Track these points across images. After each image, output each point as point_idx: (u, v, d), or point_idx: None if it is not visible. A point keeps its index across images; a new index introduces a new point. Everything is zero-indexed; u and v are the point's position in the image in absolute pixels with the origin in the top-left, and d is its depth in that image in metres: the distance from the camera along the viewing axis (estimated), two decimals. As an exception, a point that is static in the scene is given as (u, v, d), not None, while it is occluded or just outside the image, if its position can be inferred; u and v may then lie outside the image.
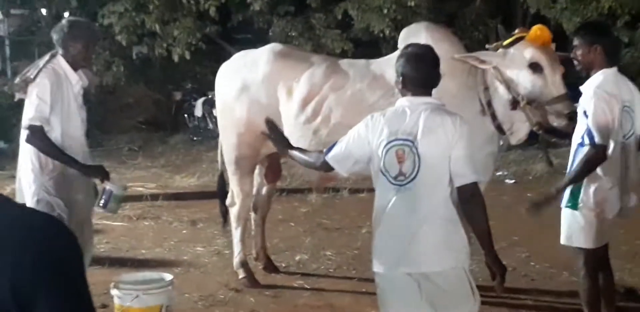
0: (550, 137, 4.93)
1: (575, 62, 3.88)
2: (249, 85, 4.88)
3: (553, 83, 4.20)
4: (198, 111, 13.15)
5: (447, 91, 4.26)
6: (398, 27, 10.93)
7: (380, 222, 2.97)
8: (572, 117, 4.09)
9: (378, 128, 2.97)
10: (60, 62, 4.05)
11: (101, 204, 4.03)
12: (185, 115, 13.60)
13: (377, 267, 3.01)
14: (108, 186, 4.03)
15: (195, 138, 13.02)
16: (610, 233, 3.97)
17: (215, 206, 5.57)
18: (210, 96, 12.70)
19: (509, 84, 4.29)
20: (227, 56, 5.61)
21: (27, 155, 4.02)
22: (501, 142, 4.68)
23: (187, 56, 11.39)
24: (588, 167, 3.69)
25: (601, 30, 4.01)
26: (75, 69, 4.09)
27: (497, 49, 4.38)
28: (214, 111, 12.22)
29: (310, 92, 4.69)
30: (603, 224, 3.81)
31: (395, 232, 2.93)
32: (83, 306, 1.23)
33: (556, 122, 4.22)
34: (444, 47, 4.44)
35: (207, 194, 7.10)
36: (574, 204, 3.80)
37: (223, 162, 5.20)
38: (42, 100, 3.92)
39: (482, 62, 4.32)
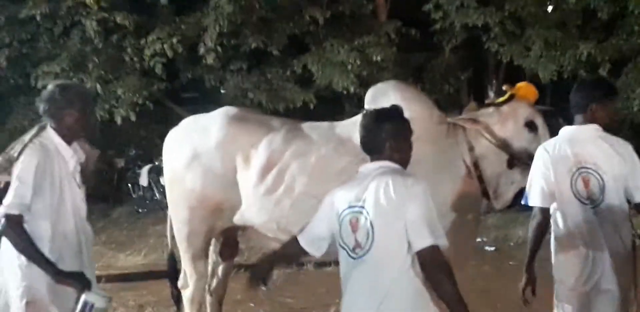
0: None
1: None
2: (201, 153, 4.91)
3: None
4: (143, 180, 13.11)
5: (423, 156, 4.40)
6: (363, 83, 11.23)
7: (343, 301, 3.05)
8: None
9: (338, 198, 3.12)
10: (51, 136, 3.80)
11: None
12: (129, 184, 13.55)
13: None
14: (89, 296, 3.62)
15: (140, 210, 12.95)
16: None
17: (165, 287, 5.52)
18: (157, 163, 12.72)
19: (502, 143, 4.47)
20: (174, 118, 5.67)
21: (11, 247, 3.67)
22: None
23: (133, 117, 11.45)
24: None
25: (594, 87, 4.10)
26: (69, 142, 3.84)
27: (487, 107, 4.60)
28: (161, 179, 12.22)
29: (271, 159, 4.73)
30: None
31: (355, 308, 3.00)
32: None
33: None
34: (416, 107, 4.62)
35: (156, 273, 7.05)
36: None
37: (173, 238, 5.19)
38: (23, 182, 3.63)
39: (476, 123, 4.50)
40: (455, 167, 4.57)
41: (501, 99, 4.58)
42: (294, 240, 3.28)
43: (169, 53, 11.02)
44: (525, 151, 4.46)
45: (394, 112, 3.23)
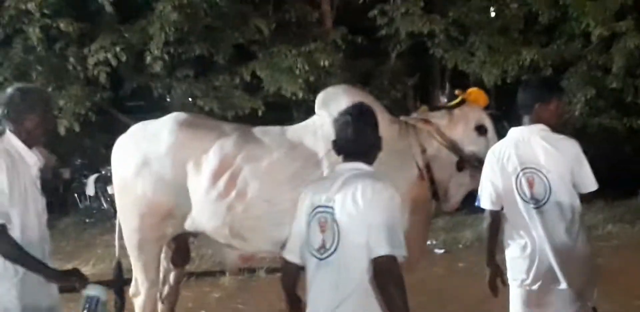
0: None
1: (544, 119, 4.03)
2: (151, 159, 4.87)
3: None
4: (90, 190, 12.95)
5: (378, 158, 4.44)
6: (311, 89, 11.27)
7: (308, 301, 3.06)
8: None
9: (308, 197, 3.14)
10: (12, 140, 3.65)
11: None
12: (75, 195, 13.35)
13: None
14: (92, 291, 3.63)
15: (87, 220, 12.77)
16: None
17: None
18: (103, 172, 12.58)
19: (452, 146, 4.56)
20: (120, 127, 5.59)
21: None
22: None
23: (77, 128, 11.29)
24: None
25: (551, 84, 4.24)
26: (29, 147, 3.69)
27: (438, 110, 4.69)
28: (108, 189, 12.09)
29: (222, 164, 4.71)
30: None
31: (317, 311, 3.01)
32: None
33: None
34: None
35: (105, 283, 6.91)
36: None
37: (122, 247, 5.13)
38: None
39: (428, 123, 4.57)
40: (408, 168, 4.63)
41: (453, 103, 4.68)
42: (287, 265, 3.22)
43: (113, 61, 10.89)
44: (475, 154, 4.57)
45: (368, 112, 3.23)
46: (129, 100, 13.67)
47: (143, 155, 4.90)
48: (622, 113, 12.45)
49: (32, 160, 3.68)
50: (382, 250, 2.86)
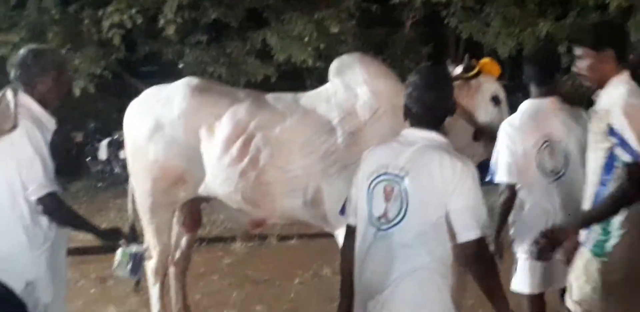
0: None
1: (582, 79, 3.33)
2: (164, 124, 4.86)
3: (507, 116, 4.54)
4: (102, 154, 13.00)
5: (390, 129, 4.48)
6: (322, 57, 11.21)
7: (359, 275, 2.88)
8: None
9: (373, 160, 2.92)
10: (30, 103, 3.52)
11: (129, 269, 3.80)
12: (88, 158, 13.40)
13: None
14: (134, 249, 3.82)
15: (100, 184, 12.83)
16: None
17: (128, 260, 5.49)
18: (115, 137, 12.60)
19: (469, 116, 4.58)
20: (133, 92, 5.58)
21: (5, 228, 3.44)
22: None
23: (91, 89, 11.27)
24: (623, 199, 3.06)
25: (611, 31, 3.39)
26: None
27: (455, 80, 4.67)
28: (120, 153, 12.12)
29: (235, 130, 4.69)
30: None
31: (370, 285, 2.82)
32: None
33: None
34: (381, 81, 4.70)
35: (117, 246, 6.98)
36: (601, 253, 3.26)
37: (134, 211, 5.15)
38: (43, 157, 3.41)
39: None
40: None
41: (470, 74, 4.67)
42: (349, 229, 3.02)
43: (128, 24, 10.81)
44: (489, 125, 4.59)
45: (447, 76, 3.09)
46: (141, 65, 13.67)
47: (156, 119, 4.88)
48: (635, 88, 12.28)
49: (52, 124, 3.60)
50: (473, 233, 2.71)
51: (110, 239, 3.77)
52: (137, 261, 3.83)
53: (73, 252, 7.93)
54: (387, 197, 2.80)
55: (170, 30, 10.97)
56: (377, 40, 13.28)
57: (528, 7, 12.19)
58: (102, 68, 11.29)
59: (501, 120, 4.46)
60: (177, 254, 5.36)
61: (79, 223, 3.63)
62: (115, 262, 3.84)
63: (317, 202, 4.60)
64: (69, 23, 11.32)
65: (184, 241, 5.38)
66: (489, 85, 4.69)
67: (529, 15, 12.00)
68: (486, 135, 4.61)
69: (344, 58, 4.94)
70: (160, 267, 5.12)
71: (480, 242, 2.73)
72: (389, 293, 2.77)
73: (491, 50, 12.43)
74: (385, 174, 2.83)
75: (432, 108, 2.91)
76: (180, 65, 12.39)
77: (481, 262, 2.74)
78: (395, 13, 13.16)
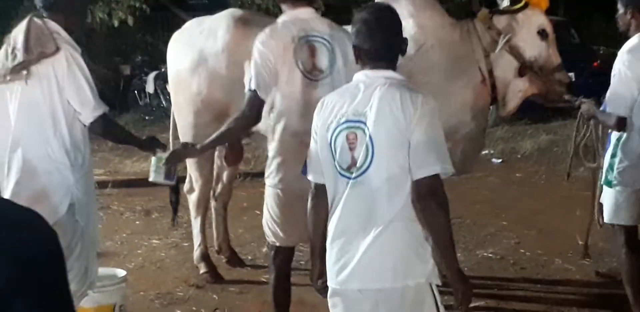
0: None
1: (620, 24, 4.09)
2: (207, 56, 4.82)
3: (554, 51, 4.54)
4: (150, 87, 13.04)
5: (437, 64, 4.40)
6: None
7: (331, 225, 2.74)
8: (569, 87, 4.50)
9: (328, 109, 2.74)
10: (59, 29, 3.45)
11: (164, 174, 3.85)
12: (136, 91, 13.48)
13: (329, 280, 2.77)
14: (167, 154, 3.89)
15: (147, 117, 12.93)
16: None
17: (172, 193, 5.55)
18: (163, 70, 12.54)
19: (516, 51, 4.47)
20: (181, 24, 5.54)
21: (45, 150, 3.45)
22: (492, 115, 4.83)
23: (130, 22, 11.17)
24: (607, 124, 3.98)
25: None
26: None
27: (502, 14, 4.57)
28: (167, 87, 12.14)
29: None
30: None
31: (348, 238, 2.69)
32: (62, 306, 1.24)
33: (556, 91, 4.41)
34: (427, 14, 4.61)
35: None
36: (608, 182, 4.03)
37: (176, 140, 5.17)
38: (89, 80, 3.45)
39: (491, 27, 4.50)
40: (471, 73, 4.57)
41: (516, 7, 4.55)
42: (315, 187, 2.81)
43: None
44: (536, 60, 4.47)
45: (393, 12, 2.82)
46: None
47: (199, 51, 4.85)
48: None
49: (79, 52, 3.53)
50: (430, 169, 2.59)
51: (150, 147, 3.86)
52: (174, 168, 3.91)
53: (119, 184, 8.14)
54: (352, 145, 2.66)
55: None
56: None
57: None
58: (142, 1, 11.13)
59: (549, 55, 4.37)
60: (219, 188, 5.40)
61: (127, 138, 3.94)
62: (152, 169, 3.87)
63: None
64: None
65: (225, 175, 5.41)
66: (535, 19, 4.56)
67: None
68: (532, 70, 4.49)
69: None
70: (202, 200, 5.17)
71: (434, 180, 2.60)
72: (366, 247, 2.63)
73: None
74: (345, 122, 2.67)
75: (382, 46, 2.74)
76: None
77: (433, 201, 2.60)
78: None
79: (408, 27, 4.52)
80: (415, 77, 4.38)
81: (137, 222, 6.82)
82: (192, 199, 5.18)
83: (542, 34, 4.54)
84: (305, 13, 3.67)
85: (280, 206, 3.65)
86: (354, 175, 2.65)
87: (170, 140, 5.30)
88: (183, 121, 5.02)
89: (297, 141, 3.40)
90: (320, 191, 2.79)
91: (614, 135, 4.02)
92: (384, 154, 2.62)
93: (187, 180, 5.20)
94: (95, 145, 10.77)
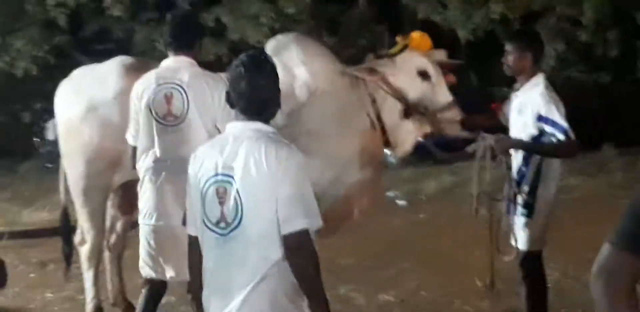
0: (438, 150, 5.09)
1: (505, 67, 4.28)
2: (98, 104, 4.73)
3: (440, 90, 4.57)
4: (50, 134, 12.72)
5: (331, 109, 4.42)
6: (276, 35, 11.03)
7: (205, 280, 2.72)
8: (463, 124, 4.50)
9: (199, 162, 2.71)
10: None
11: None
12: (36, 139, 13.16)
13: None
14: None
15: (49, 165, 12.57)
16: None
17: (72, 244, 5.38)
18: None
19: (398, 94, 4.51)
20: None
21: None
22: (393, 159, 4.86)
23: (34, 71, 11.02)
24: (554, 152, 4.07)
25: (533, 38, 4.42)
26: None
27: (381, 58, 4.62)
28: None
29: None
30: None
31: (222, 295, 2.64)
32: None
33: (449, 130, 4.49)
34: (319, 61, 4.63)
35: (53, 231, 6.87)
36: (529, 212, 4.17)
37: (67, 193, 5.03)
38: None
39: (373, 72, 4.51)
40: (360, 120, 4.59)
41: (394, 50, 4.60)
42: (191, 240, 2.81)
43: (71, 3, 10.56)
44: (420, 100, 4.52)
45: (267, 62, 2.77)
46: (90, 43, 13.39)
47: (89, 99, 4.76)
48: (591, 67, 12.38)
49: None
50: (298, 224, 2.54)
51: None
52: None
53: (15, 236, 7.86)
54: (221, 199, 2.61)
55: (116, 10, 10.75)
56: (331, 17, 13.14)
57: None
58: (45, 51, 10.99)
59: (434, 95, 4.44)
60: (113, 239, 5.26)
61: None
62: None
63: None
64: (12, 2, 11.03)
65: (119, 225, 5.27)
66: (415, 60, 4.59)
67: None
68: (417, 112, 4.54)
69: (280, 38, 4.86)
70: (94, 251, 5.01)
71: (302, 235, 2.55)
72: (239, 304, 2.59)
73: (449, 31, 12.37)
74: (215, 175, 2.64)
75: (251, 97, 2.70)
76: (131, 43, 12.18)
77: (302, 256, 2.57)
78: (350, -10, 13.04)
79: (300, 74, 4.57)
80: (307, 123, 4.42)
81: (32, 275, 6.61)
82: (84, 250, 5.02)
83: (422, 75, 4.58)
84: (178, 61, 3.93)
85: (154, 241, 3.84)
86: (224, 231, 2.61)
87: (61, 190, 5.15)
88: (74, 171, 4.88)
89: (158, 182, 3.71)
90: (195, 243, 2.76)
91: (533, 165, 4.13)
92: (253, 209, 2.58)
93: (77, 231, 5.05)
94: (-6, 196, 10.49)
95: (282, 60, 4.63)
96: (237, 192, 2.58)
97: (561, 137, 3.94)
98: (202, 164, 2.69)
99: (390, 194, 9.54)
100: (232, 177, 2.60)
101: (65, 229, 5.20)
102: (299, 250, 2.56)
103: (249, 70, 2.69)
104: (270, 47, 4.74)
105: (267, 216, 2.57)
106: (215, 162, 2.65)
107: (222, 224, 2.61)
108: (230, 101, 2.75)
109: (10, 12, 11.07)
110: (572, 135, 3.97)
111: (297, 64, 4.60)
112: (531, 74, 4.21)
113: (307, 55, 4.62)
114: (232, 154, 2.63)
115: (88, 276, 5.04)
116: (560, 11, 11.84)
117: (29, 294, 5.97)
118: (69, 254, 5.04)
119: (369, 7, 13.41)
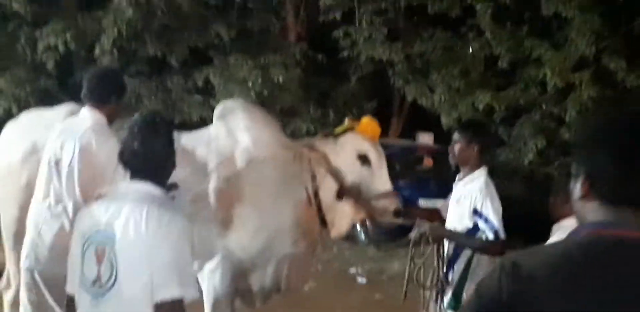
0: (373, 235, 5.09)
1: (450, 156, 4.27)
2: (41, 148, 4.66)
3: (380, 178, 4.49)
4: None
5: (270, 179, 4.38)
6: (265, 103, 11.13)
7: None
8: (397, 214, 4.39)
9: (86, 218, 2.65)
10: None
11: None
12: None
13: None
14: None
15: None
16: None
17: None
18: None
19: (336, 174, 4.46)
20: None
21: None
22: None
23: (15, 111, 11.00)
24: (480, 249, 4.02)
25: (480, 130, 4.40)
26: None
27: (327, 137, 4.60)
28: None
29: None
30: None
31: None
32: None
33: (381, 217, 4.42)
34: (265, 129, 4.61)
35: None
36: (457, 303, 4.06)
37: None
38: None
39: (313, 150, 4.49)
40: (297, 193, 4.53)
41: (339, 130, 4.59)
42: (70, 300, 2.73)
43: (62, 48, 10.64)
44: (358, 185, 4.46)
45: (161, 122, 2.78)
46: (79, 89, 13.47)
47: (33, 143, 4.71)
48: (570, 165, 12.40)
49: None
50: (171, 292, 2.47)
51: None
52: None
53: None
54: (99, 258, 2.53)
55: (105, 61, 10.83)
56: (321, 90, 13.29)
57: (471, 77, 12.28)
58: (28, 93, 11.00)
59: (373, 181, 4.40)
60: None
61: None
62: None
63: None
64: (3, 41, 11.15)
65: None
66: (356, 143, 4.54)
67: (472, 86, 12.06)
68: (351, 194, 4.48)
69: (227, 104, 4.87)
70: (17, 297, 4.86)
71: (175, 304, 2.47)
72: None
73: (435, 117, 12.48)
74: (96, 233, 2.56)
75: (143, 156, 2.66)
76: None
77: None
78: (342, 66, 13.19)
79: (243, 139, 4.55)
80: (244, 190, 4.36)
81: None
82: (9, 296, 4.87)
83: (362, 159, 4.52)
84: (86, 114, 4.15)
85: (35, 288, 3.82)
86: (99, 292, 2.53)
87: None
88: (7, 214, 4.78)
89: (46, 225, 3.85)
90: (72, 302, 2.67)
91: (464, 257, 4.07)
92: (128, 270, 2.51)
93: (4, 276, 4.91)
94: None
95: (227, 125, 4.63)
96: (114, 252, 2.51)
97: (490, 236, 3.93)
98: (89, 221, 2.63)
99: (352, 270, 9.43)
100: (112, 236, 2.53)
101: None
102: None
103: (142, 129, 2.68)
104: (218, 111, 4.76)
105: (141, 279, 2.48)
106: (98, 221, 2.58)
107: (98, 284, 2.54)
108: (124, 160, 2.69)
109: (1, 50, 11.12)
110: (501, 235, 3.94)
111: (241, 129, 4.59)
112: (475, 166, 4.18)
113: (253, 122, 4.62)
114: (116, 213, 2.56)
115: (9, 323, 4.87)
116: (545, 108, 11.96)
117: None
118: None
119: (359, 83, 13.56)
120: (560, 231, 3.65)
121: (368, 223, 4.74)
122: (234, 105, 4.80)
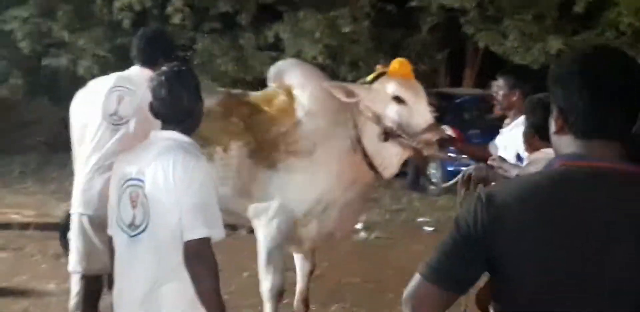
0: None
1: (495, 102, 4.37)
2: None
3: (419, 113, 4.50)
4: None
5: (318, 129, 4.52)
6: (333, 54, 11.16)
7: (116, 284, 2.85)
8: (442, 145, 4.43)
9: (121, 167, 2.87)
10: None
11: None
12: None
13: None
14: None
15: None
16: None
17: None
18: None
19: (377, 118, 4.56)
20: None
21: None
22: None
23: (95, 69, 11.39)
24: None
25: (522, 75, 4.41)
26: None
27: (361, 86, 4.72)
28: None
29: None
30: None
31: (129, 295, 2.78)
32: None
33: (426, 152, 4.49)
34: (316, 84, 4.73)
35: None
36: None
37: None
38: None
39: (349, 94, 4.58)
40: (343, 141, 4.65)
41: (370, 77, 4.66)
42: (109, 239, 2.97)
43: (137, 6, 10.91)
44: (398, 124, 4.52)
45: (187, 73, 2.92)
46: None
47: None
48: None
49: None
50: (198, 232, 2.65)
51: None
52: None
53: (43, 227, 8.11)
54: (133, 203, 2.74)
55: (176, 19, 11.04)
56: (391, 41, 13.20)
57: (546, 23, 12.04)
58: (107, 50, 11.35)
59: (411, 118, 4.44)
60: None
61: None
62: None
63: (246, 194, 4.64)
64: (79, 2, 11.44)
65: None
66: (388, 86, 4.56)
67: (545, 31, 11.85)
68: (394, 135, 4.55)
69: (280, 64, 5.04)
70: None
71: (201, 243, 2.65)
72: (137, 306, 2.73)
73: (509, 61, 12.29)
74: (130, 179, 2.77)
75: (171, 104, 2.82)
76: (194, 51, 12.44)
77: (200, 264, 2.65)
78: (413, 16, 13.06)
79: (299, 96, 4.70)
80: (302, 139, 4.54)
81: (43, 266, 6.83)
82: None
83: (397, 100, 4.55)
84: (139, 74, 4.17)
85: (83, 234, 3.96)
86: (133, 233, 2.74)
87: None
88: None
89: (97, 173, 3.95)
90: (111, 242, 2.91)
91: None
92: (159, 214, 2.70)
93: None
94: (38, 187, 10.83)
95: (282, 82, 4.79)
96: (145, 197, 2.71)
97: None
98: (123, 169, 2.83)
99: (419, 219, 9.52)
100: (144, 181, 2.73)
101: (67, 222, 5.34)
102: (198, 257, 2.64)
103: (169, 78, 2.83)
104: (272, 71, 4.93)
105: (171, 222, 2.68)
106: (132, 167, 2.78)
107: (132, 227, 2.74)
108: (154, 111, 2.87)
109: (78, 11, 11.45)
110: None
111: (296, 87, 4.75)
112: (519, 112, 4.16)
113: (305, 78, 4.77)
114: (147, 160, 2.76)
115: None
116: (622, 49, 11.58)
117: (32, 284, 6.17)
118: (65, 245, 5.16)
119: (431, 33, 13.44)
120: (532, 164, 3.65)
121: (427, 169, 4.80)
122: (287, 64, 5.02)
